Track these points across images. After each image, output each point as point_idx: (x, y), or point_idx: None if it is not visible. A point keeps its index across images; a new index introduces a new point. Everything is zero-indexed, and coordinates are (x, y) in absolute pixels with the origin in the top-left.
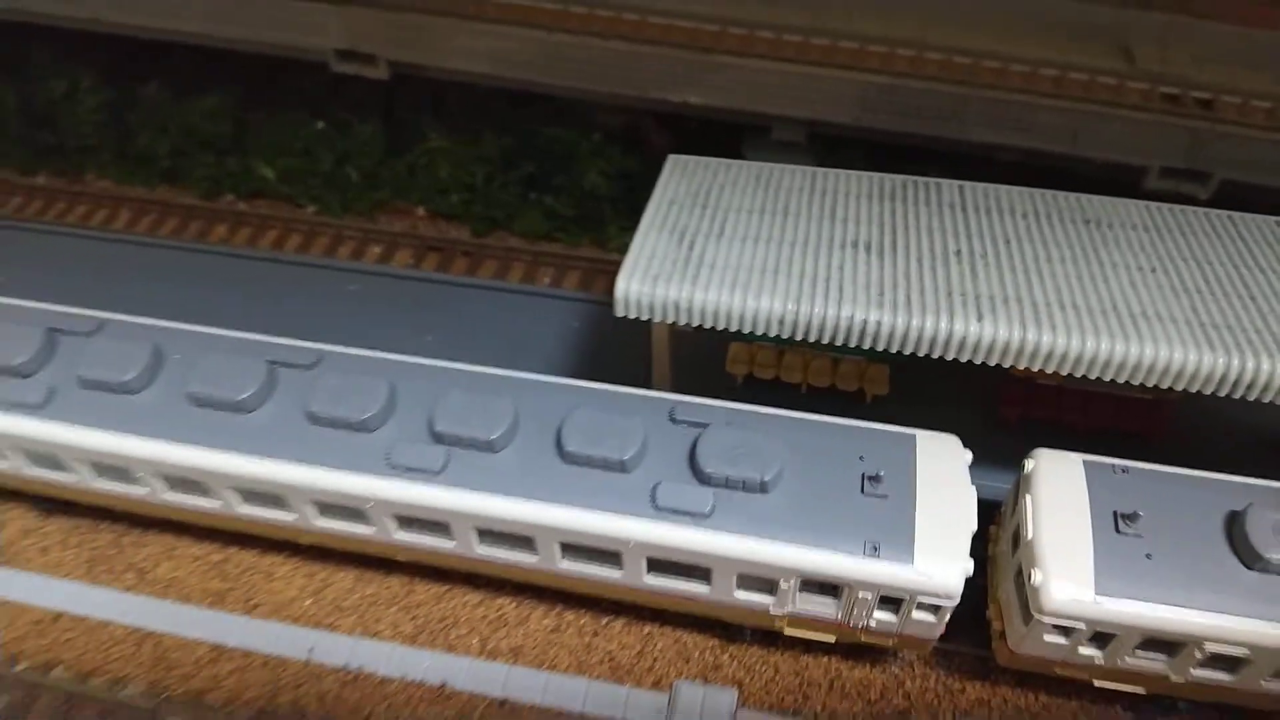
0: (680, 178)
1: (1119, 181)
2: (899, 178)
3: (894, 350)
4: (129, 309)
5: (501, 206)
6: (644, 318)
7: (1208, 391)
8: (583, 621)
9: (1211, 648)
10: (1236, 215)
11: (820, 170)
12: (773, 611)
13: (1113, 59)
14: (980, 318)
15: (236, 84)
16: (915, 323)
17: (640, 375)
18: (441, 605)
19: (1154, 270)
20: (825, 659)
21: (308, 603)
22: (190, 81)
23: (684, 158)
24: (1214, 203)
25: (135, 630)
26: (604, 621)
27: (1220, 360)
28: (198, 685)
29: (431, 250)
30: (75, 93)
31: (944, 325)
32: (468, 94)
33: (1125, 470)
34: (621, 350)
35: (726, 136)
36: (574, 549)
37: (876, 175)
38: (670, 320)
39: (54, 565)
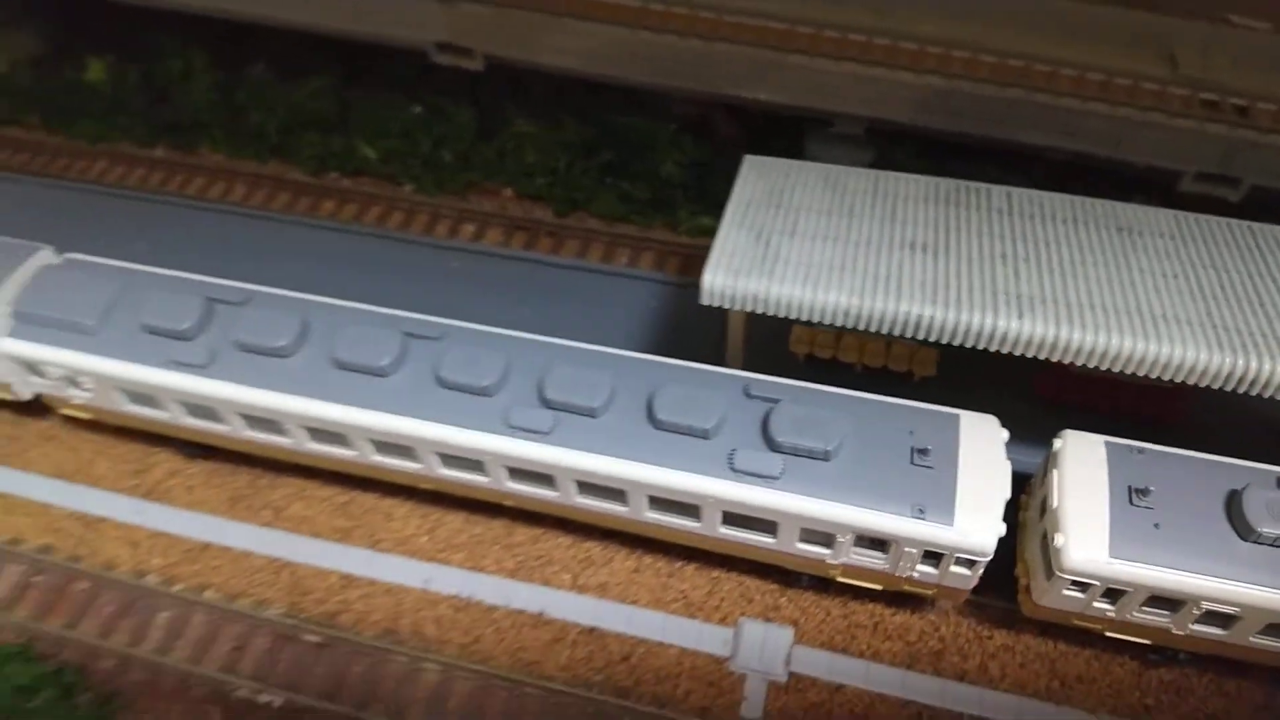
0: (756, 178)
1: (1156, 183)
2: (953, 182)
3: (944, 342)
4: (251, 278)
5: (582, 190)
6: (726, 307)
7: (1216, 387)
8: (659, 564)
9: (1208, 606)
10: (1256, 225)
11: (882, 173)
12: (829, 562)
13: (1157, 65)
14: (1020, 316)
15: (336, 67)
16: (964, 318)
17: (710, 350)
18: (538, 546)
19: (1176, 276)
20: (871, 605)
21: (423, 540)
22: (293, 64)
23: (759, 159)
24: (1244, 205)
25: (274, 560)
26: (677, 565)
27: (1228, 360)
28: (330, 608)
29: (519, 229)
30: (190, 72)
31: (989, 321)
32: (551, 82)
33: (1141, 451)
34: (694, 326)
35: (792, 128)
36: (660, 502)
37: (933, 180)
38: (748, 310)
39: (199, 502)
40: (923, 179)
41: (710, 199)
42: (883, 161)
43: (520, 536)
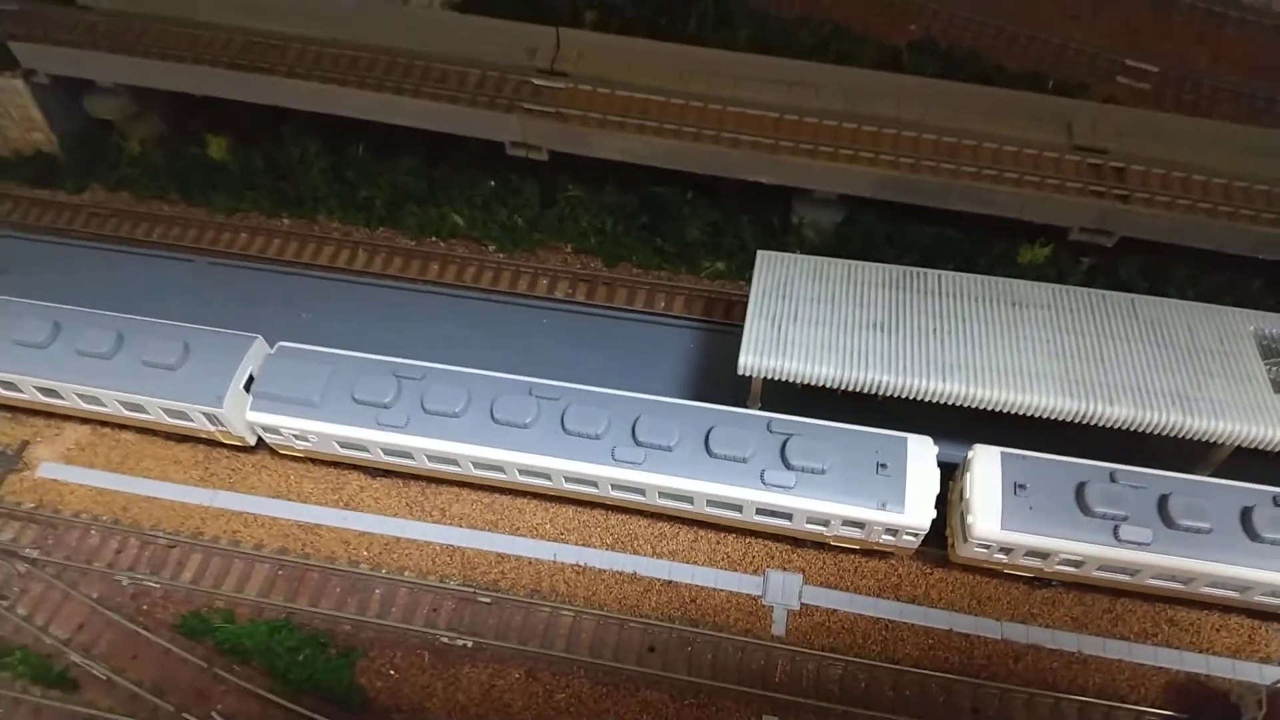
0: (768, 271)
1: (1053, 232)
2: (901, 269)
3: (896, 397)
4: (395, 341)
5: (624, 245)
6: (757, 376)
7: (1069, 421)
8: (710, 536)
9: (1063, 556)
10: (1107, 294)
11: (853, 264)
12: (826, 534)
13: (1057, 134)
14: (943, 379)
15: (420, 148)
16: (908, 382)
17: (728, 379)
18: (626, 528)
19: (1048, 341)
20: (852, 558)
21: (547, 527)
22: (387, 145)
23: (768, 254)
24: (1116, 249)
25: (447, 546)
26: (722, 537)
27: (1073, 404)
28: (492, 577)
29: (580, 280)
30: (306, 156)
31: (922, 384)
32: (596, 160)
33: (1024, 458)
34: (718, 364)
35: (781, 192)
36: (716, 503)
37: (887, 267)
38: (770, 378)
39: (385, 508)
40: (880, 267)
41: (722, 251)
42: (852, 220)
43: (613, 521)
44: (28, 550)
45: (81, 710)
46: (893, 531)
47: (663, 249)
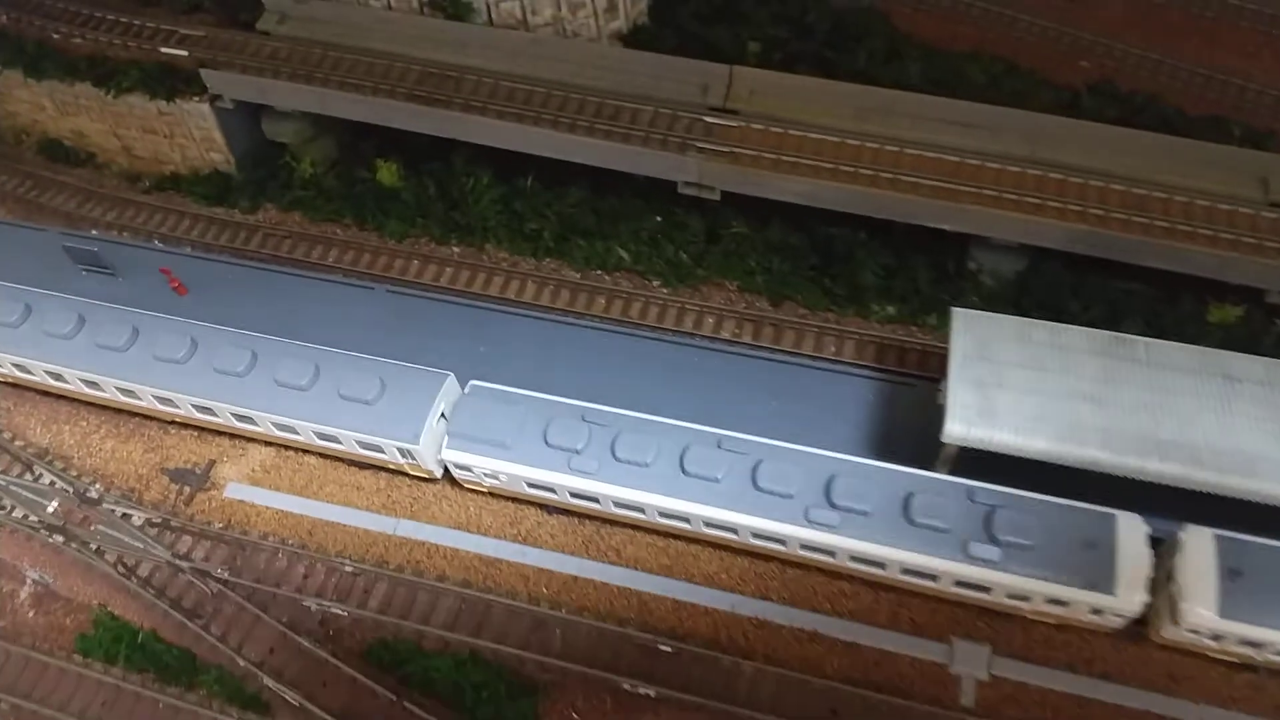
0: (966, 332)
1: (1244, 291)
2: (1108, 335)
3: (1110, 475)
4: (570, 380)
5: (792, 285)
6: (965, 446)
7: None
8: (892, 598)
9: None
10: None
11: (1055, 327)
12: (1023, 608)
13: (1251, 189)
14: (1160, 460)
15: (585, 180)
16: (1123, 461)
17: (916, 439)
18: (806, 583)
19: (1263, 419)
20: (1044, 629)
21: (724, 576)
22: (555, 176)
23: (964, 312)
24: None
25: (624, 589)
26: (904, 599)
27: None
28: (670, 624)
29: (746, 320)
30: (478, 186)
31: (1138, 464)
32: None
33: (1241, 541)
34: (902, 418)
35: (958, 238)
36: (912, 571)
37: (1092, 333)
38: (979, 449)
39: (562, 545)
40: (1086, 332)
41: (893, 295)
42: (1034, 269)
43: (791, 575)
44: (219, 570)
45: None
46: (1098, 611)
47: (831, 290)
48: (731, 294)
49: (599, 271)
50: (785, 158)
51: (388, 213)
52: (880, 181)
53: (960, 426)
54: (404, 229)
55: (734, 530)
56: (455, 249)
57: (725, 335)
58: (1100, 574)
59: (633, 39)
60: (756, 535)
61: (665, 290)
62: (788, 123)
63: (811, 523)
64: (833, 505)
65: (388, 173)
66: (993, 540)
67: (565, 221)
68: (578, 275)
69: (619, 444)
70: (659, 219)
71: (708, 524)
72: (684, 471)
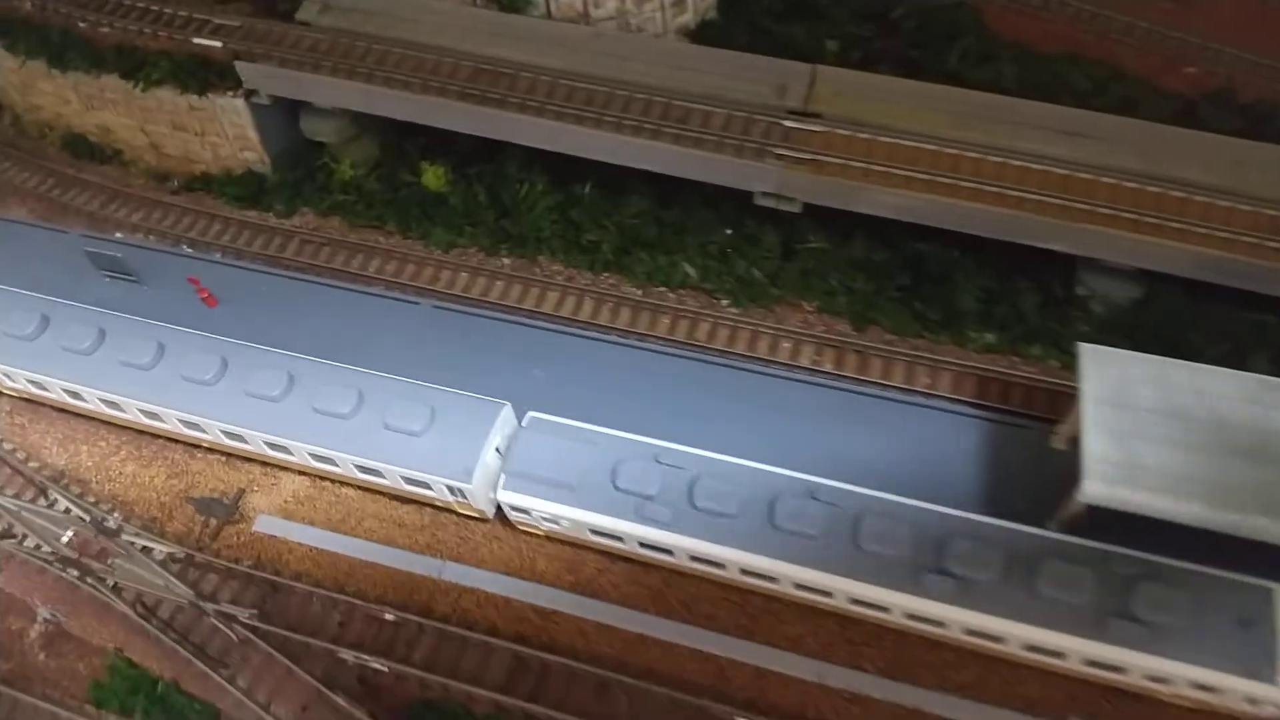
0: (1096, 373)
1: None
2: (1257, 379)
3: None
4: (625, 409)
5: (877, 308)
6: (1106, 507)
7: None
8: (1004, 671)
9: None
10: None
11: (1196, 369)
12: (1160, 691)
13: None
14: None
15: (649, 187)
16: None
17: (1029, 489)
18: (905, 652)
19: None
20: (1176, 711)
21: (809, 641)
22: (615, 183)
23: (1092, 348)
24: None
25: (698, 651)
26: (1018, 673)
27: None
28: (750, 695)
29: (825, 345)
30: (531, 193)
31: None
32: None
33: None
34: (1011, 465)
35: (1065, 259)
36: (1036, 648)
37: (1238, 376)
38: (1118, 509)
39: (627, 598)
40: (1232, 375)
41: (994, 321)
42: (1152, 296)
43: (889, 642)
44: (247, 615)
45: None
46: (1253, 701)
47: (923, 314)
48: (809, 316)
49: (662, 288)
50: (875, 167)
51: (433, 220)
52: (984, 195)
53: (1100, 486)
54: (450, 238)
55: (829, 594)
56: (505, 260)
57: (804, 363)
58: (1259, 658)
59: (700, 34)
60: (855, 601)
61: (735, 310)
62: (877, 128)
63: (922, 590)
64: (947, 571)
65: (433, 176)
66: (1132, 616)
67: (626, 233)
68: (639, 292)
69: (698, 491)
70: (729, 232)
71: (799, 586)
72: (773, 525)
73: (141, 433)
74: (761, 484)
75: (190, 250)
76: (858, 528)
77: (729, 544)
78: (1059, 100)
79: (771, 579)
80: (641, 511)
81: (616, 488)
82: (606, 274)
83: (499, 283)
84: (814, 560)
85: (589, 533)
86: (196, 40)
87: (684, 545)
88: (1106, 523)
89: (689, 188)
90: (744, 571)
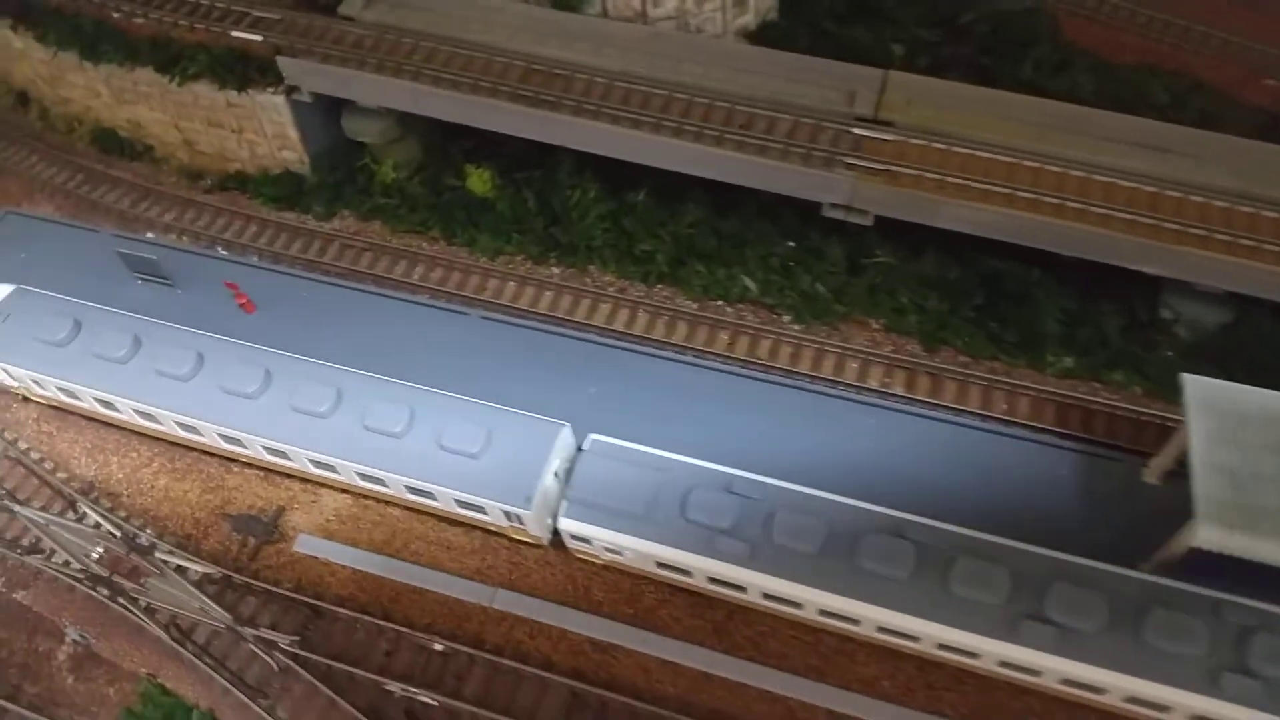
0: (1204, 407)
1: None
2: None
3: None
4: (687, 433)
5: (950, 328)
6: (1220, 552)
7: None
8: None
9: None
10: None
11: None
12: None
13: None
14: None
15: (705, 195)
16: None
17: (1120, 528)
18: (988, 698)
19: None
20: None
21: (885, 683)
22: (670, 191)
23: (1196, 380)
24: None
25: (765, 693)
26: None
27: None
28: None
29: (895, 366)
30: (583, 199)
31: None
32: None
33: None
34: (1100, 500)
35: (1149, 280)
36: (1141, 701)
37: None
38: (1240, 557)
39: (689, 632)
40: None
41: (1075, 344)
42: (1244, 322)
43: (970, 686)
44: (288, 642)
45: None
46: None
47: (999, 336)
48: (876, 334)
49: (719, 302)
50: (951, 179)
51: (479, 226)
52: (1067, 211)
53: (1217, 531)
54: (497, 245)
55: (916, 639)
56: (555, 270)
57: (873, 384)
58: None
59: (760, 36)
60: (943, 646)
61: (798, 327)
62: (952, 138)
63: (1020, 638)
64: (1046, 619)
65: (479, 180)
66: (1247, 671)
67: (682, 243)
68: (694, 305)
69: (777, 524)
70: (791, 244)
71: (882, 629)
72: (857, 564)
73: (175, 444)
74: (842, 518)
75: (225, 253)
76: (950, 569)
77: (810, 583)
78: (1138, 113)
79: (853, 621)
80: (714, 545)
81: (686, 519)
82: (660, 286)
83: (548, 293)
84: (902, 603)
85: (655, 565)
86: (236, 33)
87: (760, 583)
88: (1206, 566)
89: (747, 197)
90: (823, 612)
